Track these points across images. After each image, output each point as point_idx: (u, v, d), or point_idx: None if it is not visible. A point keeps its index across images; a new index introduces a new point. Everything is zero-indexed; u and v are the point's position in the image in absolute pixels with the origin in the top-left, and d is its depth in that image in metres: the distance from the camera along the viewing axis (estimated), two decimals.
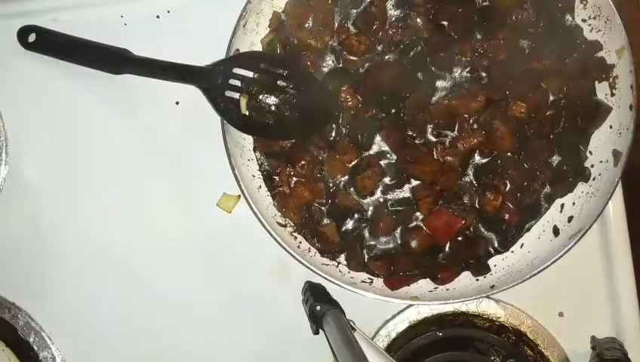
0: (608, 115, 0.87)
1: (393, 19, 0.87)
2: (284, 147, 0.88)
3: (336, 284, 0.84)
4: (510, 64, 0.86)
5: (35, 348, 0.90)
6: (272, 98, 0.85)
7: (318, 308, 0.81)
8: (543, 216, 0.88)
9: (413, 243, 0.86)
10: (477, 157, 0.87)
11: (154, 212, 0.91)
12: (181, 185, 0.91)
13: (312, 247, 0.87)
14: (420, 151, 0.86)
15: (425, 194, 0.86)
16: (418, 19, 0.86)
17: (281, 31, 0.88)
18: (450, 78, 0.87)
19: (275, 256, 0.89)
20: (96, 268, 0.91)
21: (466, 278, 0.88)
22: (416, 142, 0.87)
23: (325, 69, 0.88)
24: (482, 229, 0.88)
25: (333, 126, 0.87)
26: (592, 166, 0.88)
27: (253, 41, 0.88)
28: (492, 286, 0.85)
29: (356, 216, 0.87)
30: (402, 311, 0.90)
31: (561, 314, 0.91)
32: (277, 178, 0.87)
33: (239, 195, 0.90)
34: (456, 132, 0.86)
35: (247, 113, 0.85)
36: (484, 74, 0.86)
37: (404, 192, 0.87)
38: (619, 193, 0.89)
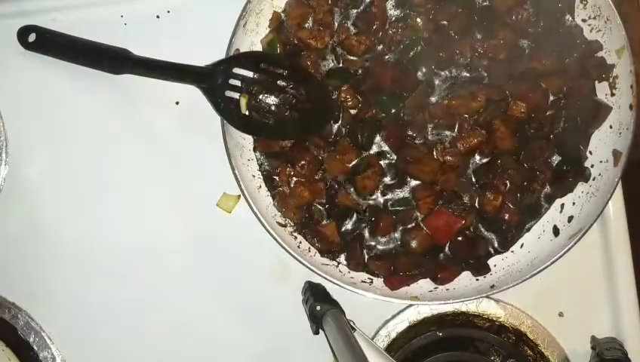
0: (608, 115, 0.87)
1: (393, 19, 0.87)
2: (284, 147, 0.88)
3: (336, 284, 0.84)
4: (510, 64, 0.86)
5: (35, 348, 0.90)
6: (272, 98, 0.85)
7: (318, 308, 0.81)
8: (543, 216, 0.88)
9: (413, 243, 0.86)
10: (477, 157, 0.87)
11: (154, 212, 0.91)
12: (181, 185, 0.91)
13: (312, 247, 0.87)
14: (420, 151, 0.86)
15: (425, 194, 0.86)
16: (418, 19, 0.86)
17: (281, 31, 0.88)
18: (451, 78, 0.87)
19: (275, 256, 0.89)
20: (96, 268, 0.91)
21: (466, 278, 0.88)
22: (416, 142, 0.87)
23: (325, 69, 0.88)
24: (482, 229, 0.88)
25: (334, 126, 0.87)
26: (592, 166, 0.88)
27: (253, 41, 0.88)
28: (492, 286, 0.85)
29: (356, 216, 0.87)
30: (402, 311, 0.90)
31: (561, 314, 0.91)
32: (277, 178, 0.87)
33: (239, 195, 0.90)
34: (456, 132, 0.86)
35: (247, 113, 0.85)
36: (484, 74, 0.86)
37: (404, 192, 0.87)
38: (619, 193, 0.89)
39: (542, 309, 0.90)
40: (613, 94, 0.87)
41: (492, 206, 0.86)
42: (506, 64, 0.86)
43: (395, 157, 0.87)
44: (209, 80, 0.84)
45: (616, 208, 0.90)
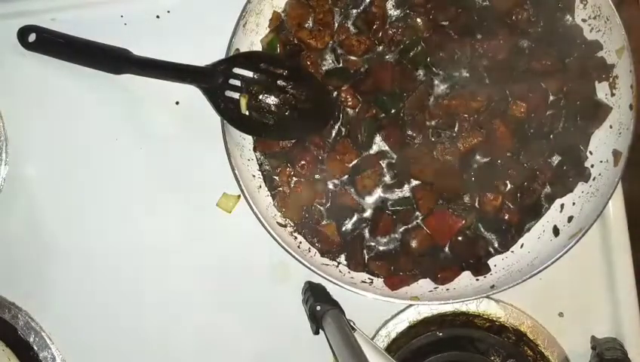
0: (608, 115, 0.87)
1: (393, 19, 0.87)
2: (284, 147, 0.88)
3: (336, 284, 0.84)
4: (510, 64, 0.86)
5: (35, 348, 0.90)
6: (272, 98, 0.85)
7: (318, 308, 0.81)
8: (543, 216, 0.88)
9: (413, 243, 0.86)
10: (477, 157, 0.87)
11: (154, 212, 0.91)
12: (181, 185, 0.91)
13: (312, 247, 0.87)
14: (420, 151, 0.86)
15: (425, 194, 0.86)
16: (418, 19, 0.87)
17: (281, 31, 0.88)
18: (450, 78, 0.87)
19: (275, 256, 0.89)
20: (96, 268, 0.91)
21: (466, 278, 0.88)
22: (416, 142, 0.87)
23: (325, 69, 0.88)
24: (482, 229, 0.88)
25: (333, 126, 0.87)
26: (592, 166, 0.88)
27: (253, 41, 0.88)
28: (492, 286, 0.85)
29: (356, 216, 0.87)
30: (402, 311, 0.90)
31: (561, 314, 0.91)
32: (277, 178, 0.87)
33: (239, 195, 0.90)
34: (456, 132, 0.86)
35: (247, 113, 0.85)
36: (484, 74, 0.86)
37: (404, 192, 0.87)
38: (619, 193, 0.90)
39: (542, 309, 0.90)
40: (613, 94, 0.87)
41: (492, 206, 0.86)
42: (506, 64, 0.86)
43: (395, 157, 0.87)
44: (209, 80, 0.84)
45: (616, 208, 0.90)
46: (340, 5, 0.88)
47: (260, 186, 0.88)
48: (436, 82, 0.87)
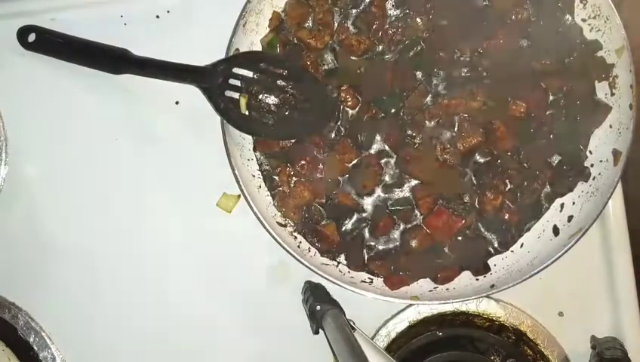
0: (608, 115, 0.87)
1: (393, 19, 0.87)
2: (284, 147, 0.88)
3: (336, 284, 0.84)
4: (510, 64, 0.86)
5: (35, 348, 0.90)
6: (272, 98, 0.85)
7: (318, 308, 0.81)
8: (543, 215, 0.88)
9: (413, 243, 0.86)
10: (477, 157, 0.87)
11: (154, 212, 0.91)
12: (181, 185, 0.91)
13: (312, 247, 0.87)
14: (420, 151, 0.86)
15: (425, 194, 0.86)
16: (418, 19, 0.87)
17: (281, 31, 0.88)
18: (450, 78, 0.87)
19: (275, 256, 0.89)
20: (97, 268, 0.91)
21: (466, 278, 0.88)
22: (416, 142, 0.87)
23: (325, 69, 0.88)
24: (482, 229, 0.88)
25: (333, 126, 0.87)
26: (592, 165, 0.88)
27: (253, 41, 0.88)
28: (492, 286, 0.85)
29: (356, 216, 0.87)
30: (402, 310, 0.90)
31: (561, 314, 0.91)
32: (277, 178, 0.87)
33: (239, 195, 0.90)
34: (455, 132, 0.86)
35: (247, 113, 0.85)
36: (484, 74, 0.86)
37: (404, 192, 0.87)
38: (619, 193, 0.90)
39: (542, 309, 0.90)
40: (613, 94, 0.87)
41: (492, 206, 0.86)
42: (506, 64, 0.86)
43: (395, 157, 0.87)
44: (209, 80, 0.84)
45: (616, 208, 0.90)
46: (340, 5, 0.88)
47: (260, 186, 0.88)
48: (436, 82, 0.87)
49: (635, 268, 0.90)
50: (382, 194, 0.87)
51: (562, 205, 0.88)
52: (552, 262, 0.84)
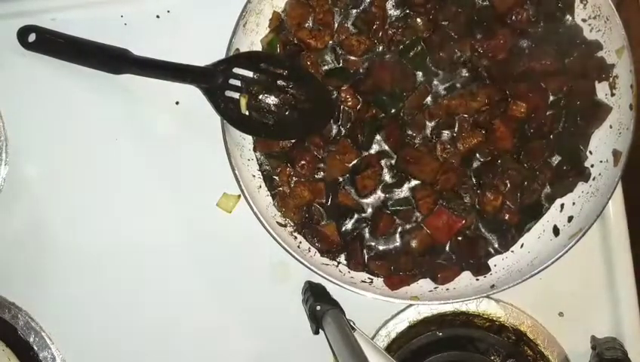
0: (608, 115, 0.87)
1: (393, 19, 0.87)
2: (284, 147, 0.88)
3: (336, 284, 0.84)
4: (510, 64, 0.86)
5: (35, 348, 0.90)
6: (272, 98, 0.85)
7: (318, 308, 0.81)
8: (543, 216, 0.88)
9: (413, 243, 0.86)
10: (477, 157, 0.87)
11: (154, 212, 0.91)
12: (181, 185, 0.91)
13: (312, 247, 0.87)
14: (420, 151, 0.86)
15: (425, 194, 0.86)
16: (418, 19, 0.86)
17: (281, 31, 0.88)
18: (450, 78, 0.87)
19: (275, 256, 0.89)
20: (96, 268, 0.91)
21: (466, 278, 0.88)
22: (416, 142, 0.87)
23: (325, 69, 0.88)
24: (482, 229, 0.88)
25: (333, 126, 0.87)
26: (592, 166, 0.88)
27: (253, 41, 0.88)
28: (492, 286, 0.85)
29: (356, 216, 0.87)
30: (402, 310, 0.90)
31: (561, 314, 0.91)
32: (277, 178, 0.87)
33: (239, 195, 0.90)
34: (455, 132, 0.86)
35: (247, 113, 0.85)
36: (484, 74, 0.86)
37: (404, 192, 0.87)
38: (619, 193, 0.90)
39: (542, 309, 0.90)
40: (613, 94, 0.87)
41: (492, 206, 0.86)
42: (506, 64, 0.86)
43: (395, 157, 0.87)
44: (209, 80, 0.84)
45: (616, 208, 0.90)
46: (340, 5, 0.88)
47: (260, 186, 0.88)
48: (436, 82, 0.87)
49: (635, 268, 0.90)
50: (382, 194, 0.87)
51: (562, 205, 0.88)
52: (552, 263, 0.84)
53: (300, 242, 0.87)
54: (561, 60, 0.86)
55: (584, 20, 0.87)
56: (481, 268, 0.87)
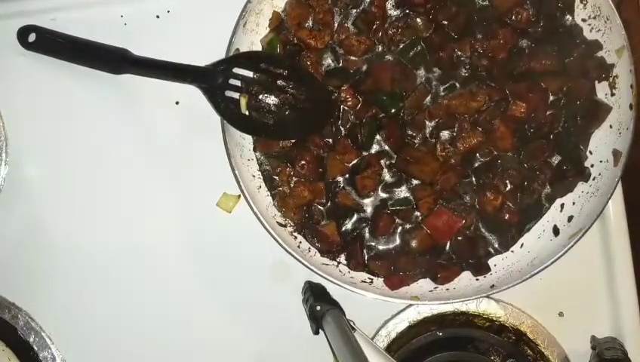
0: (608, 115, 0.87)
1: (393, 19, 0.87)
2: (284, 147, 0.88)
3: (336, 284, 0.84)
4: (510, 64, 0.86)
5: (35, 348, 0.90)
6: (272, 98, 0.85)
7: (318, 308, 0.81)
8: (543, 216, 0.88)
9: (413, 243, 0.86)
10: (477, 157, 0.87)
11: (154, 212, 0.91)
12: (181, 185, 0.91)
13: (312, 247, 0.87)
14: (420, 151, 0.86)
15: (425, 194, 0.86)
16: (418, 19, 0.87)
17: (281, 31, 0.88)
18: (450, 78, 0.87)
19: (275, 256, 0.89)
20: (97, 268, 0.91)
21: (466, 278, 0.88)
22: (416, 141, 0.87)
23: (325, 69, 0.88)
24: (482, 229, 0.88)
25: (333, 126, 0.87)
26: (592, 166, 0.88)
27: (253, 41, 0.88)
28: (492, 286, 0.85)
29: (356, 216, 0.87)
30: (402, 310, 0.90)
31: (561, 314, 0.91)
32: (277, 178, 0.87)
33: (239, 195, 0.90)
34: (455, 132, 0.86)
35: (247, 113, 0.85)
36: (484, 74, 0.86)
37: (404, 192, 0.87)
38: (619, 193, 0.89)
39: (542, 309, 0.90)
40: (613, 94, 0.87)
41: (492, 206, 0.86)
42: (506, 64, 0.86)
43: (395, 157, 0.87)
44: (209, 80, 0.84)
45: (616, 208, 0.90)
46: (340, 5, 0.88)
47: (260, 186, 0.88)
48: (436, 82, 0.87)
49: (635, 268, 0.90)
50: (382, 194, 0.87)
51: (562, 205, 0.88)
52: (552, 262, 0.84)
53: (300, 242, 0.87)
54: (561, 60, 0.86)
55: (584, 20, 0.87)
56: (481, 268, 0.87)
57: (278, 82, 0.85)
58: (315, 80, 0.86)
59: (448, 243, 0.87)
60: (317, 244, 0.87)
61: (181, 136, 0.91)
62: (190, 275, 0.91)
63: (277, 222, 0.86)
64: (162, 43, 0.90)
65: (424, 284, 0.87)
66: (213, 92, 0.85)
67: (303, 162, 0.86)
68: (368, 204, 0.87)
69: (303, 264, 0.83)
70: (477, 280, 0.87)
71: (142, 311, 0.91)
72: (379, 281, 0.87)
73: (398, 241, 0.87)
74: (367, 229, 0.87)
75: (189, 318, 0.91)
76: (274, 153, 0.88)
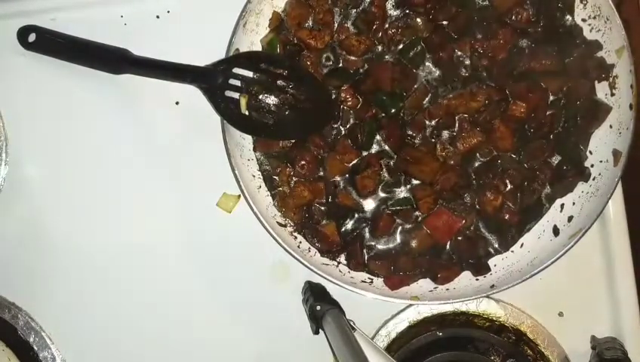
0: (608, 115, 0.87)
1: (393, 19, 0.87)
2: (284, 147, 0.88)
3: (336, 284, 0.84)
4: (510, 64, 0.86)
5: (35, 348, 0.90)
6: (272, 98, 0.85)
7: (318, 307, 0.81)
8: (543, 216, 0.88)
9: (413, 243, 0.86)
10: (477, 157, 0.87)
11: (154, 212, 0.91)
12: (181, 185, 0.91)
13: (312, 247, 0.87)
14: (420, 151, 0.86)
15: (425, 194, 0.86)
16: (418, 19, 0.87)
17: (281, 31, 0.88)
18: (450, 78, 0.87)
19: (275, 256, 0.89)
20: (96, 268, 0.91)
21: (466, 278, 0.88)
22: (416, 141, 0.87)
23: (325, 69, 0.88)
24: (482, 229, 0.88)
25: (333, 126, 0.87)
26: (592, 166, 0.88)
27: (253, 41, 0.88)
28: (492, 286, 0.85)
29: (356, 216, 0.87)
30: (402, 310, 0.90)
31: (561, 314, 0.91)
32: (277, 178, 0.87)
33: (239, 195, 0.90)
34: (455, 132, 0.86)
35: (247, 113, 0.85)
36: (484, 74, 0.86)
37: (404, 192, 0.87)
38: (619, 193, 0.89)
39: (542, 309, 0.90)
40: (613, 94, 0.87)
41: (492, 206, 0.86)
42: (506, 64, 0.86)
43: (395, 157, 0.87)
44: (209, 80, 0.84)
45: (616, 208, 0.90)
46: (340, 5, 0.88)
47: (260, 186, 0.88)
48: (436, 82, 0.87)
49: (635, 268, 0.90)
50: (382, 194, 0.87)
51: (562, 205, 0.88)
52: (552, 262, 0.84)
53: (300, 242, 0.87)
54: (561, 60, 0.86)
55: (584, 20, 0.87)
56: (481, 268, 0.87)
57: (278, 82, 0.85)
58: (315, 80, 0.86)
59: (448, 243, 0.87)
60: (317, 244, 0.87)
61: (181, 136, 0.91)
62: (190, 275, 0.91)
63: (277, 222, 0.86)
64: (162, 43, 0.90)
65: (424, 284, 0.87)
66: (213, 92, 0.85)
67: (303, 162, 0.86)
68: (368, 203, 0.87)
69: (303, 264, 0.83)
70: (477, 280, 0.87)
71: (142, 311, 0.91)
72: (379, 281, 0.87)
73: (398, 241, 0.87)
74: (367, 229, 0.87)
75: (189, 318, 0.91)
76: (274, 153, 0.88)
